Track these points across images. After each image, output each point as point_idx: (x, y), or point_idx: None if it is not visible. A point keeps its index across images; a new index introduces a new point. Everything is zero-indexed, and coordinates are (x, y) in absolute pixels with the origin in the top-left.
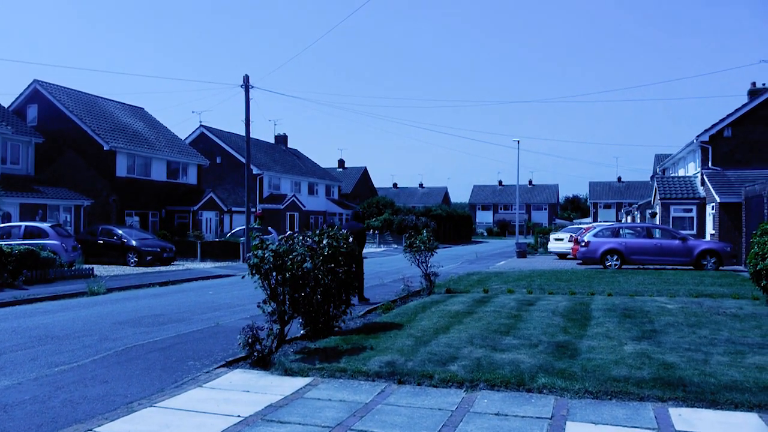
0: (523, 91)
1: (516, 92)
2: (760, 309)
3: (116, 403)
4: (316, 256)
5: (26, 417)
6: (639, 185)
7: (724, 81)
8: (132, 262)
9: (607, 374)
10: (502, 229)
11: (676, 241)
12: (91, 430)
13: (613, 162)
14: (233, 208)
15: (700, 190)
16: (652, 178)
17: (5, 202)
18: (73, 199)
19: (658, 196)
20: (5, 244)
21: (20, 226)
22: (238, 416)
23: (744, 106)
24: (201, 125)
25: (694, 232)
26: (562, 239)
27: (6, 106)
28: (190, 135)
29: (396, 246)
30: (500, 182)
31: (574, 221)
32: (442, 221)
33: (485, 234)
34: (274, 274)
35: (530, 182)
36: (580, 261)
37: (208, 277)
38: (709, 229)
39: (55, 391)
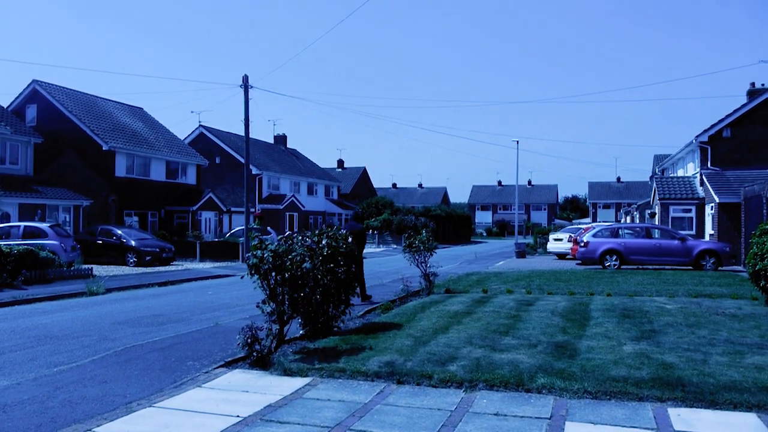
0: (523, 92)
1: (516, 92)
2: (759, 309)
3: (115, 404)
4: (316, 256)
5: (25, 417)
6: (638, 185)
7: (724, 81)
8: (131, 262)
9: (606, 374)
10: (501, 230)
11: (676, 242)
12: (90, 430)
13: (613, 162)
14: (232, 208)
15: (699, 190)
16: (651, 178)
17: (4, 202)
18: (72, 199)
19: (657, 197)
20: (4, 244)
21: (19, 226)
22: (237, 416)
23: (743, 106)
24: (200, 125)
25: (693, 232)
26: (561, 239)
27: (5, 106)
28: (189, 135)
29: (395, 246)
30: (499, 182)
31: (574, 221)
32: (441, 221)
33: (484, 234)
34: (273, 274)
35: (529, 182)
36: (579, 261)
37: (207, 278)
38: (708, 229)
39: (54, 391)
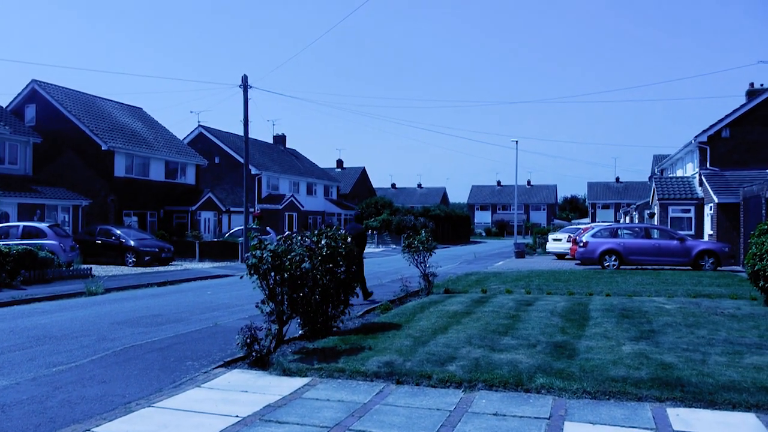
0: (523, 91)
1: (516, 92)
2: (757, 309)
3: (114, 404)
4: (315, 256)
5: (24, 417)
6: (637, 186)
7: (723, 81)
8: (130, 262)
9: (605, 374)
10: (501, 230)
11: (675, 242)
12: (89, 430)
13: (612, 162)
14: (231, 208)
15: (699, 190)
16: (650, 178)
17: (3, 202)
18: (71, 199)
19: (656, 197)
20: (3, 244)
21: (18, 226)
22: (237, 416)
23: (742, 106)
24: (199, 125)
25: (692, 232)
26: (560, 239)
27: (4, 106)
28: (188, 135)
29: (394, 246)
30: (499, 182)
31: (573, 221)
32: (440, 221)
33: (483, 234)
34: (272, 274)
35: (529, 182)
36: (579, 261)
37: (206, 278)
38: (708, 229)
39: (53, 391)
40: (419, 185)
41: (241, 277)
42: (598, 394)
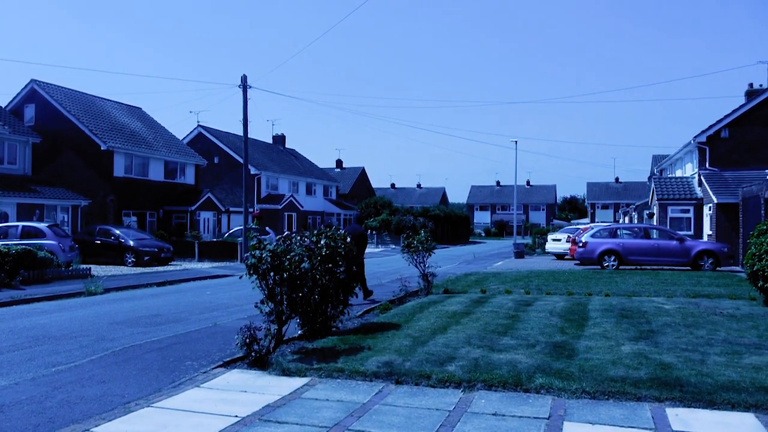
0: (523, 91)
1: (516, 92)
2: (756, 309)
3: (113, 404)
4: (314, 256)
5: (23, 417)
6: (637, 186)
7: (723, 82)
8: (129, 262)
9: (604, 374)
10: (500, 230)
11: (674, 242)
12: (88, 430)
13: (611, 163)
14: (231, 208)
15: (698, 190)
16: (649, 178)
17: (2, 202)
18: (70, 199)
19: (655, 197)
20: (2, 244)
21: (17, 226)
22: (236, 416)
23: (741, 107)
24: (199, 125)
25: (691, 232)
26: (559, 240)
27: (3, 106)
28: (187, 135)
29: (394, 246)
30: (498, 183)
31: (572, 222)
32: (439, 221)
33: (483, 234)
34: (271, 274)
35: (528, 183)
36: (578, 261)
37: (205, 278)
38: (707, 229)
39: (52, 391)
40: (419, 185)
41: (241, 277)
42: (597, 394)
